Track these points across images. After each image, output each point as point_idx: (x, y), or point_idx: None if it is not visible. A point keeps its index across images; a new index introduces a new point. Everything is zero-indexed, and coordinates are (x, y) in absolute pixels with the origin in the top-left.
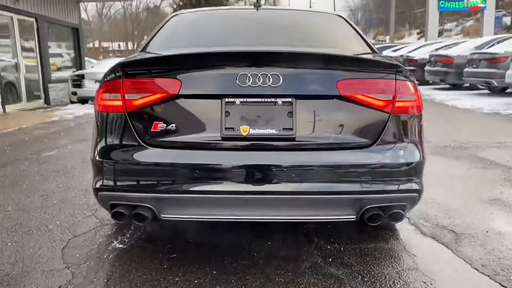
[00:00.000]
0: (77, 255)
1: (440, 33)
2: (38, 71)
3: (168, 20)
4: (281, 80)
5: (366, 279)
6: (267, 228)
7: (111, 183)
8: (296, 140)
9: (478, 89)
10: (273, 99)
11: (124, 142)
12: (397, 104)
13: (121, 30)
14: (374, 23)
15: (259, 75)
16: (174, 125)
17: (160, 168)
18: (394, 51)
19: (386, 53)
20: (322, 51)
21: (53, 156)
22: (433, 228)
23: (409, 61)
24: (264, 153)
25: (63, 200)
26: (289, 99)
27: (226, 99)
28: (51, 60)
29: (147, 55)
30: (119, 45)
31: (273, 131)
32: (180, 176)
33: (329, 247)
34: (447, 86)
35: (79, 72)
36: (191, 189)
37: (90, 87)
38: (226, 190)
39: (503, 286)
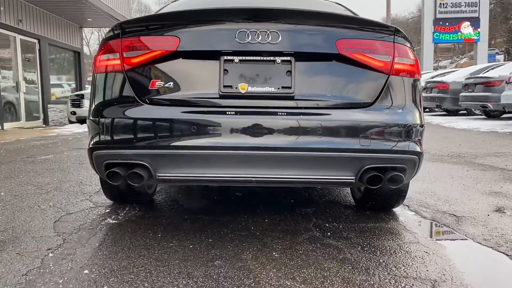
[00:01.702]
0: (69, 226)
1: (435, 69)
2: (38, 92)
3: None
4: (280, 37)
5: (366, 248)
6: (265, 205)
7: (108, 139)
8: (294, 98)
9: (475, 114)
10: (272, 57)
11: (122, 100)
12: (396, 66)
13: None
14: None
15: (258, 32)
16: (172, 82)
17: (157, 124)
18: None
19: None
20: (321, 10)
21: (49, 159)
22: (434, 213)
23: None
24: (262, 110)
25: (57, 189)
26: (288, 58)
27: (225, 57)
28: (51, 90)
29: (146, 15)
30: None
31: (272, 89)
32: (177, 132)
33: (327, 225)
34: (443, 112)
35: (79, 92)
36: (188, 144)
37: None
38: (224, 146)
39: (507, 255)
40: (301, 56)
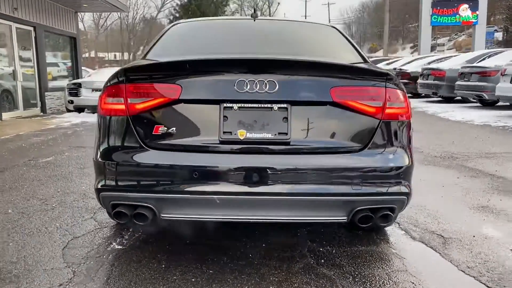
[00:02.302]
0: (77, 255)
1: (433, 48)
2: (35, 80)
3: (168, 29)
4: (277, 86)
5: (357, 279)
6: (263, 231)
7: (113, 183)
8: (290, 144)
9: (470, 102)
10: (269, 105)
11: (126, 144)
12: (387, 110)
13: (117, 41)
14: (368, 37)
15: (256, 81)
16: (174, 128)
17: (160, 170)
18: (388, 64)
19: (380, 65)
20: (316, 60)
21: (51, 162)
22: (422, 233)
23: (402, 74)
24: (259, 156)
25: (61, 204)
26: (285, 105)
27: (225, 104)
28: (47, 69)
29: (148, 62)
30: (115, 55)
31: (269, 135)
32: (180, 177)
33: (321, 249)
34: (439, 99)
35: (76, 80)
36: (190, 189)
37: (87, 96)
38: (223, 191)
39: (487, 286)
40: (296, 104)
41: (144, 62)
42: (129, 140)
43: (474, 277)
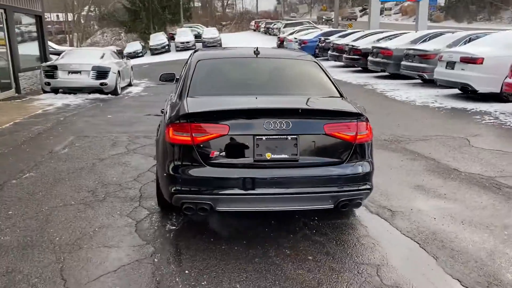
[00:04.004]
0: (148, 235)
1: (381, 11)
2: (8, 61)
3: (195, 66)
4: (290, 125)
5: (338, 242)
6: (274, 217)
7: (184, 189)
8: (299, 161)
9: (414, 79)
10: (285, 136)
11: (191, 163)
12: (358, 137)
13: (60, 0)
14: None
15: (277, 122)
16: (224, 152)
17: (215, 179)
18: (340, 36)
19: (332, 38)
20: (314, 108)
21: (68, 154)
22: (377, 208)
23: (354, 50)
24: (280, 169)
25: (107, 194)
26: (295, 136)
27: (257, 136)
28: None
29: (205, 109)
30: (57, 16)
31: (285, 156)
32: (228, 184)
33: (311, 223)
34: (387, 74)
35: (51, 63)
36: (234, 192)
37: (64, 78)
38: (257, 192)
39: (418, 243)
40: (302, 135)
41: (196, 104)
42: (194, 160)
43: (410, 238)
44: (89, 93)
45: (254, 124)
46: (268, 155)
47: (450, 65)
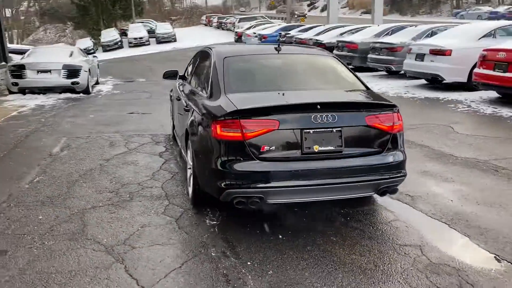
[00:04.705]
0: (193, 231)
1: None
2: None
3: (222, 63)
4: (336, 118)
5: (374, 228)
6: (311, 206)
7: (235, 183)
8: (343, 152)
9: (378, 71)
10: (330, 129)
11: (242, 158)
12: (394, 126)
13: None
14: None
15: (323, 115)
16: (274, 146)
17: (266, 173)
18: (301, 31)
19: (293, 33)
20: (356, 100)
21: (68, 155)
22: (396, 194)
23: (318, 45)
24: (326, 161)
25: (131, 194)
26: (339, 128)
27: (305, 130)
28: None
29: (253, 106)
30: None
31: (331, 148)
32: (279, 176)
33: (342, 211)
34: (352, 67)
35: (17, 62)
36: (285, 184)
37: (33, 77)
38: (305, 184)
39: (447, 224)
40: (346, 127)
41: (245, 103)
42: (244, 155)
43: (437, 219)
44: (60, 92)
45: (302, 118)
46: (316, 148)
47: (420, 57)
